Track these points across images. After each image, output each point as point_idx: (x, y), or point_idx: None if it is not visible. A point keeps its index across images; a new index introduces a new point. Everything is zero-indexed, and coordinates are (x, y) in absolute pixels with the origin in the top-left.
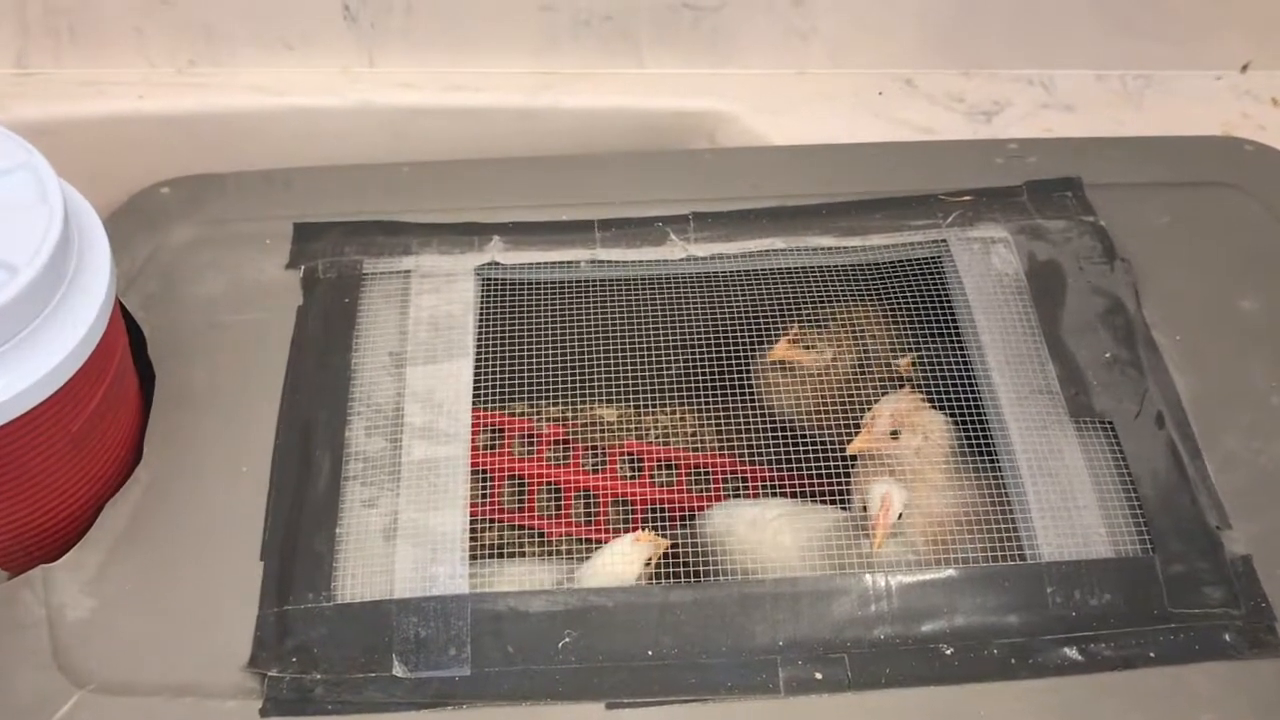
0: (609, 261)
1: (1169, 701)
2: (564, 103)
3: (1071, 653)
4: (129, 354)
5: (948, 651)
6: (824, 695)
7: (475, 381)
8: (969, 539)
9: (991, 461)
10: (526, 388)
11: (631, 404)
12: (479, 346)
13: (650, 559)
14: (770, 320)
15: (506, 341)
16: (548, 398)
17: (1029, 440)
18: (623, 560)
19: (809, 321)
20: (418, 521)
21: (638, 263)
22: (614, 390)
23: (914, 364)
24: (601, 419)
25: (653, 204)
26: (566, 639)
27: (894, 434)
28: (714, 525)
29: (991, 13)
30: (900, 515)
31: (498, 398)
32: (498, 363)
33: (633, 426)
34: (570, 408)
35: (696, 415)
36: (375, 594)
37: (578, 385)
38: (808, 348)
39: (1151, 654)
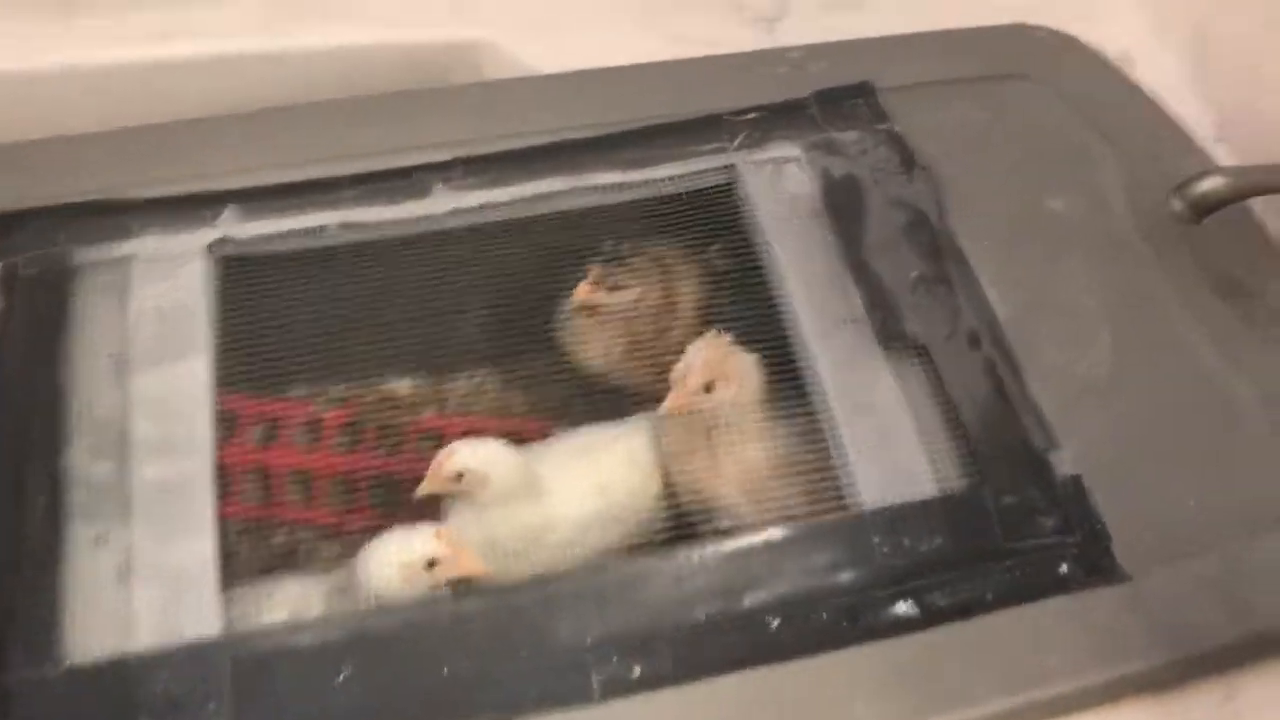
0: (363, 224)
1: (1010, 649)
2: (300, 43)
3: (906, 608)
4: None
5: (774, 624)
6: (643, 694)
7: (229, 375)
8: (790, 491)
9: (805, 402)
10: (295, 372)
11: (425, 375)
12: (222, 337)
13: (441, 561)
14: (561, 268)
15: (260, 326)
16: (328, 378)
17: (839, 376)
18: (396, 563)
19: (608, 260)
20: (157, 555)
21: (397, 221)
22: (401, 362)
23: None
24: (393, 394)
25: (411, 151)
26: (345, 673)
27: (708, 387)
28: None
29: None
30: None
31: (265, 385)
32: (254, 351)
33: (430, 400)
34: (358, 386)
35: (499, 377)
36: (113, 650)
37: (357, 362)
38: (611, 289)
39: (989, 596)
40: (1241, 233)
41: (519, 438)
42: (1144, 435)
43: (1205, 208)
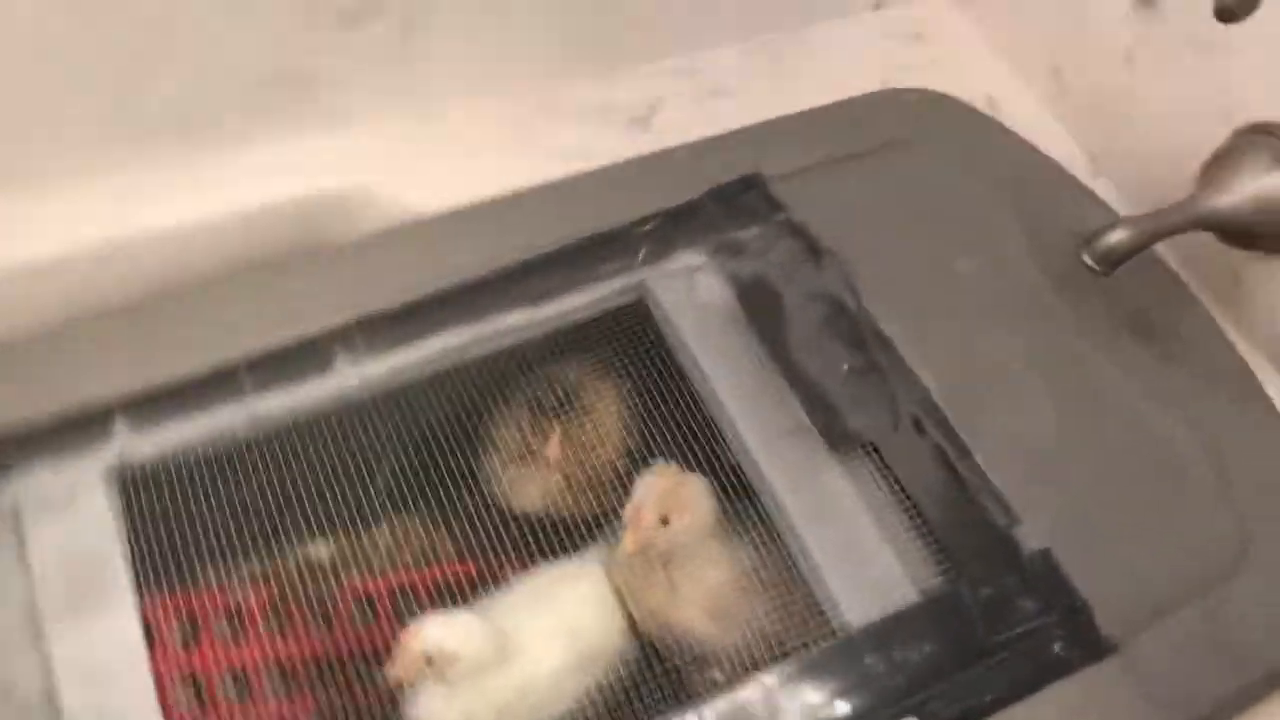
0: (268, 415)
1: None
2: (158, 222)
3: None
4: None
5: None
6: None
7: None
8: (761, 612)
9: (762, 518)
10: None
11: (345, 534)
12: (142, 578)
13: None
14: (478, 412)
15: (170, 533)
16: (244, 557)
17: (793, 488)
18: None
19: (531, 410)
20: None
21: (303, 404)
22: (318, 525)
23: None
24: (314, 560)
25: (304, 321)
26: None
27: (664, 520)
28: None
29: (614, 5)
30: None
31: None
32: (167, 555)
33: (353, 559)
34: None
35: (422, 523)
36: None
37: (273, 535)
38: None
39: (988, 698)
40: (1146, 273)
41: (460, 584)
42: (1098, 495)
43: (1115, 260)
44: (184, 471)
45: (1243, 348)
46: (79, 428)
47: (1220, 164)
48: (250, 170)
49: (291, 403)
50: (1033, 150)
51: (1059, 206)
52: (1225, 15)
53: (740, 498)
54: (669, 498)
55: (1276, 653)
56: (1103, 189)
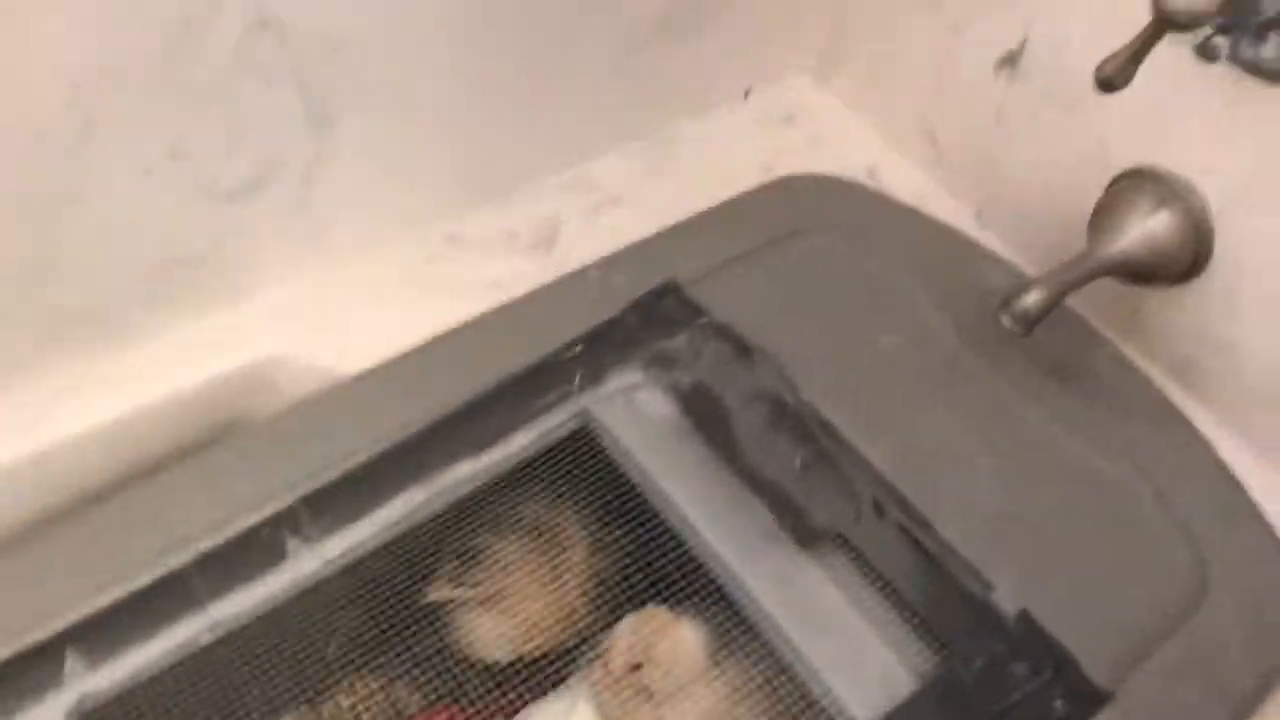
0: (227, 618)
1: None
2: (68, 429)
3: None
4: None
5: None
6: None
7: None
8: None
9: (749, 632)
10: None
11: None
12: None
13: None
14: (432, 565)
15: None
16: None
17: (777, 597)
18: None
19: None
20: None
21: (261, 600)
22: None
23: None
24: None
25: (247, 509)
26: None
27: (636, 666)
28: None
29: (495, 126)
30: None
31: None
32: None
33: None
34: None
35: (381, 679)
36: None
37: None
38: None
39: None
40: (1057, 323)
41: None
42: (1058, 548)
43: (1032, 320)
44: (148, 696)
45: (1153, 377)
46: (26, 673)
47: (1107, 212)
48: (160, 359)
49: (250, 602)
50: (923, 217)
51: (959, 268)
52: (1106, 86)
53: (719, 609)
54: (644, 646)
55: (1256, 668)
56: (990, 242)
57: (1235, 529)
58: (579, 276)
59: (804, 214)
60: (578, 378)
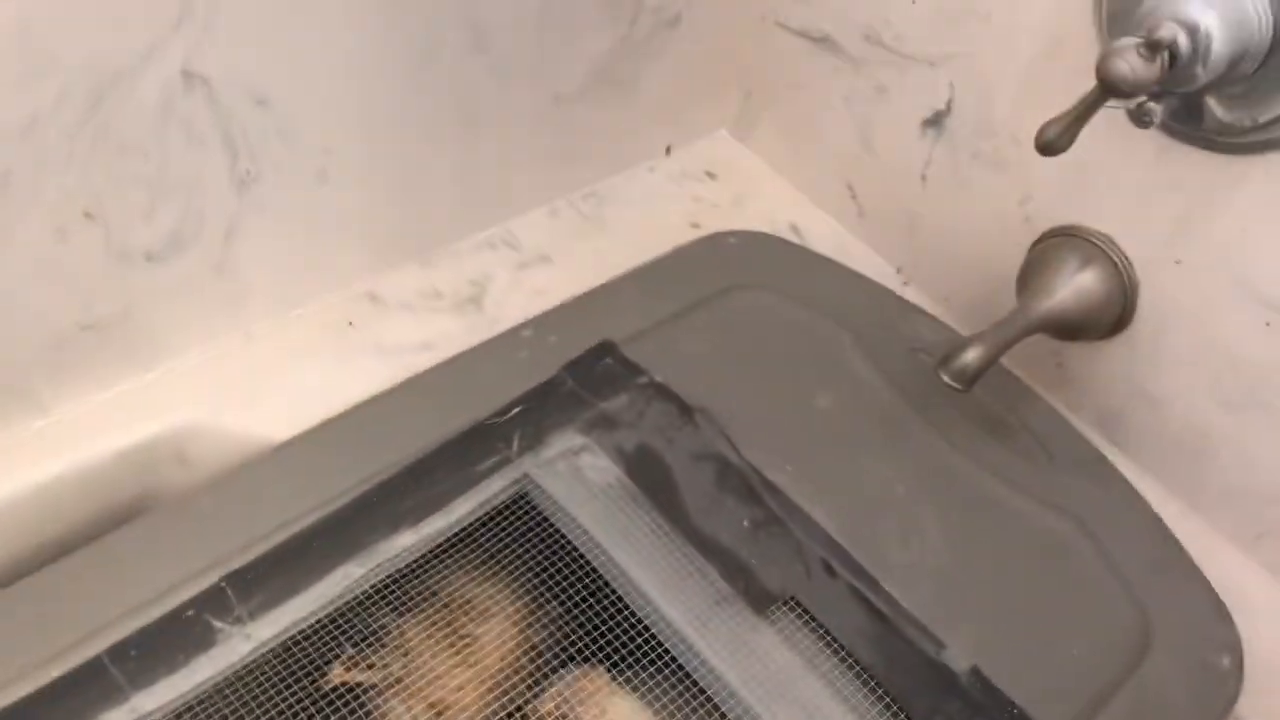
0: (155, 710)
1: None
2: None
3: None
4: None
5: None
6: None
7: None
8: None
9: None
10: None
11: None
12: None
13: None
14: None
15: None
16: None
17: (735, 664)
18: None
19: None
20: None
21: (194, 685)
22: None
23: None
24: None
25: (166, 591)
26: None
27: None
28: None
29: (418, 185)
30: None
31: None
32: None
33: None
34: None
35: None
36: None
37: None
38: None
39: None
40: (990, 377)
41: None
42: (1005, 603)
43: (971, 378)
44: None
45: (1082, 430)
46: None
47: (1036, 270)
48: (65, 430)
49: (176, 691)
50: (851, 273)
51: (889, 324)
52: (1047, 150)
53: (670, 677)
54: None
55: (1204, 713)
56: (913, 297)
57: (1171, 580)
58: (511, 336)
59: (735, 270)
60: (516, 442)
